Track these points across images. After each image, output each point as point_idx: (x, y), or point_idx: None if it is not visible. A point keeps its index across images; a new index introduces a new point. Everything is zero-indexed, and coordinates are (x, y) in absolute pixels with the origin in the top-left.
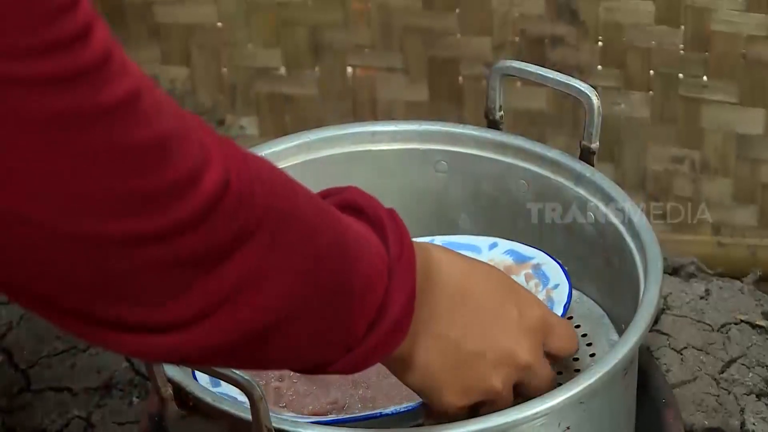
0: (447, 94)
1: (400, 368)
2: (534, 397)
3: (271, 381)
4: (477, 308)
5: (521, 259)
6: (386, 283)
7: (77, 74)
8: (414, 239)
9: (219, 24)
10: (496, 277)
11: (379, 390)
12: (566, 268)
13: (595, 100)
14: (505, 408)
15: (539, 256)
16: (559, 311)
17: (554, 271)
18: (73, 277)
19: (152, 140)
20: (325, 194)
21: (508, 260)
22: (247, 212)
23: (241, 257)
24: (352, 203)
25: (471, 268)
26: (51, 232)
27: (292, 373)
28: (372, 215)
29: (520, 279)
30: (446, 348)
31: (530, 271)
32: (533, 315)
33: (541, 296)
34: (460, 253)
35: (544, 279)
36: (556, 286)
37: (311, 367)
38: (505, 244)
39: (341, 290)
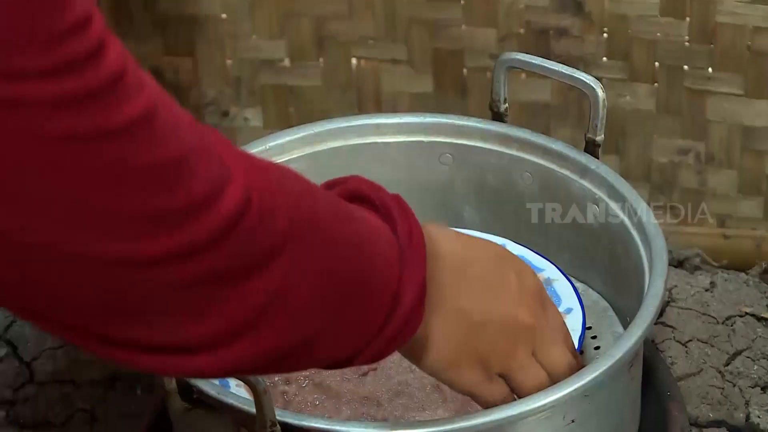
0: (452, 86)
1: (416, 352)
2: (551, 369)
3: (278, 384)
4: (478, 278)
5: None
6: (399, 272)
7: (90, 94)
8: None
9: (223, 15)
10: (492, 248)
11: (391, 411)
12: (576, 286)
13: (600, 93)
14: (537, 380)
15: (550, 270)
16: (575, 341)
17: (566, 291)
18: (88, 300)
19: (168, 159)
20: (330, 184)
21: None
22: (270, 229)
23: (266, 275)
24: (358, 192)
25: (468, 241)
26: (65, 253)
27: (301, 376)
28: (379, 203)
29: None
30: (456, 321)
31: None
32: (530, 282)
33: None
34: (453, 229)
35: (555, 299)
36: (569, 311)
37: (334, 365)
38: (514, 249)
39: (360, 290)
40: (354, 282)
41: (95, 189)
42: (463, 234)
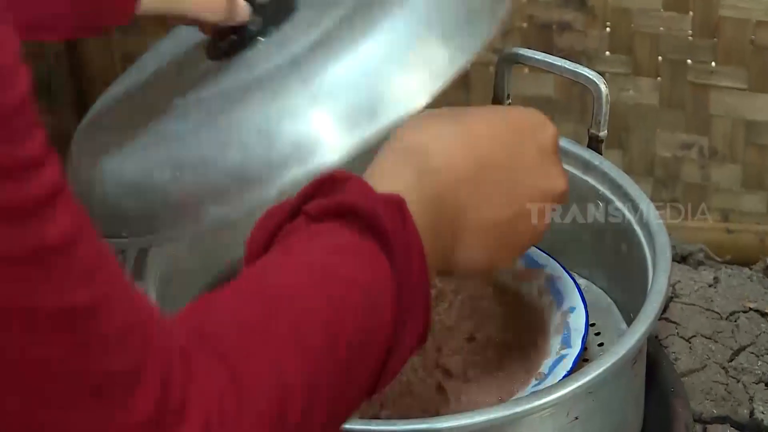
0: (454, 80)
1: (460, 272)
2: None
3: None
4: (492, 179)
5: (532, 264)
6: (394, 328)
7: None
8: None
9: None
10: (493, 127)
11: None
12: (579, 283)
13: (603, 88)
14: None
15: (551, 265)
16: (577, 343)
17: (569, 288)
18: None
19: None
20: (316, 187)
21: (519, 263)
22: None
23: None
24: (345, 209)
25: (469, 139)
26: None
27: None
28: (369, 220)
29: (532, 290)
30: (487, 232)
31: (543, 284)
32: (547, 138)
33: (555, 320)
34: (449, 131)
35: (558, 297)
36: (572, 310)
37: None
38: None
39: (365, 350)
40: (357, 353)
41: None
42: (462, 127)
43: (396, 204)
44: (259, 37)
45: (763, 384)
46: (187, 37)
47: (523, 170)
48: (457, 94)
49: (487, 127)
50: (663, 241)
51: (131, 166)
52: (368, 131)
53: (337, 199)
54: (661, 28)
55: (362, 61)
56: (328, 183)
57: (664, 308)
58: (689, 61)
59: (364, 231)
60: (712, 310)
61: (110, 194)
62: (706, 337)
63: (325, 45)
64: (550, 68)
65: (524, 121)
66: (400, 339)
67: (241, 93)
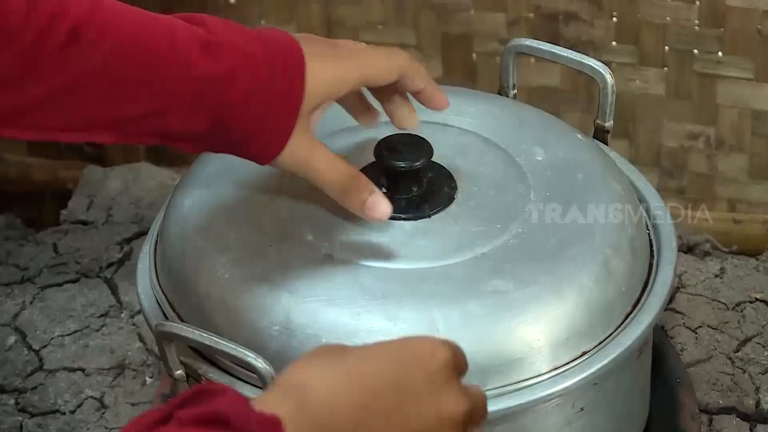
0: (461, 71)
1: None
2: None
3: None
4: (381, 406)
5: None
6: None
7: None
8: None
9: (232, 0)
10: (378, 363)
11: None
12: None
13: (609, 79)
14: None
15: None
16: None
17: None
18: None
19: None
20: (193, 394)
21: None
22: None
23: None
24: (218, 417)
25: (351, 378)
26: None
27: None
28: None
29: None
30: None
31: None
32: (436, 364)
33: None
34: (332, 368)
35: None
36: None
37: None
38: None
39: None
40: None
41: None
42: (346, 364)
43: (272, 422)
44: None
45: None
46: None
47: (412, 401)
48: (463, 84)
49: (372, 363)
50: (669, 231)
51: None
52: None
53: (212, 407)
54: (668, 18)
55: None
56: (205, 393)
57: (670, 299)
58: (696, 51)
59: None
60: (719, 301)
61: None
62: (713, 328)
63: None
64: (556, 59)
65: (411, 352)
66: None
67: None
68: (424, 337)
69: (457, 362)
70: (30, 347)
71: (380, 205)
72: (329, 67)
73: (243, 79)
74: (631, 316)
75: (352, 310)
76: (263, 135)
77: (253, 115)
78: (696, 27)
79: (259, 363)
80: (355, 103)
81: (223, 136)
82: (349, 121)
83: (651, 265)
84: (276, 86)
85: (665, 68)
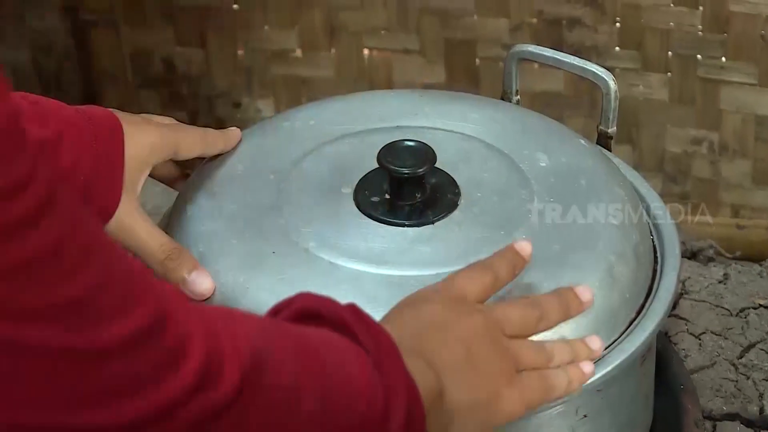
0: (464, 76)
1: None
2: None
3: None
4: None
5: None
6: (377, 380)
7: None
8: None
9: (235, 6)
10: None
11: None
12: None
13: (612, 85)
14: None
15: None
16: None
17: None
18: None
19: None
20: (275, 311)
21: None
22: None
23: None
24: (307, 311)
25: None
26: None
27: None
28: (332, 316)
29: None
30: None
31: None
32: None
33: None
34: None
35: None
36: None
37: None
38: None
39: (346, 415)
40: (337, 412)
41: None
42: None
43: (353, 309)
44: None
45: None
46: None
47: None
48: (466, 89)
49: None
50: (672, 237)
51: None
52: None
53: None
54: (671, 24)
55: None
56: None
57: (674, 305)
58: (699, 56)
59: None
60: (722, 307)
61: None
62: (716, 334)
63: None
64: (560, 65)
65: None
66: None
67: None
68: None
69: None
70: None
71: (202, 282)
72: (146, 132)
73: (69, 143)
74: (635, 322)
75: None
76: (89, 203)
77: (78, 183)
78: (699, 32)
79: None
80: (171, 173)
81: None
82: (351, 127)
83: (655, 271)
84: (99, 153)
85: (668, 73)
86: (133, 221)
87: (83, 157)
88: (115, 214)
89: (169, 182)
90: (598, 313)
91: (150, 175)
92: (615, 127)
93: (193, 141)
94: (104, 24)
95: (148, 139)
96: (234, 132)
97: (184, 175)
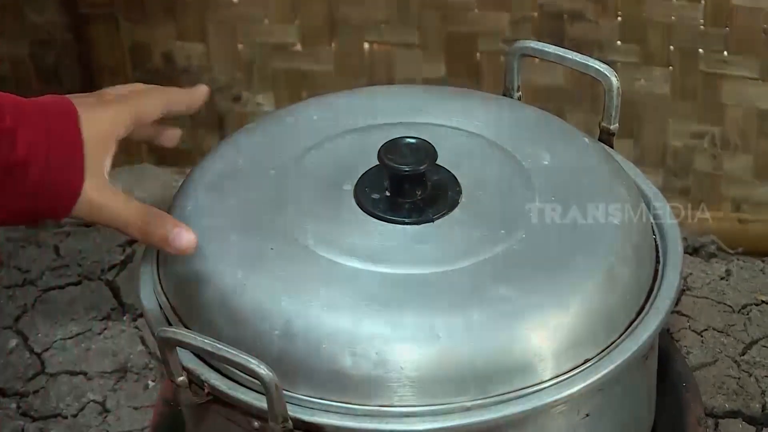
0: (465, 70)
1: None
2: None
3: None
4: None
5: None
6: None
7: None
8: None
9: (235, 0)
10: None
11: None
12: None
13: (614, 81)
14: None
15: None
16: None
17: None
18: None
19: None
20: None
21: None
22: None
23: None
24: None
25: None
26: None
27: None
28: None
29: None
30: None
31: None
32: None
33: None
34: None
35: None
36: None
37: None
38: None
39: None
40: None
41: None
42: None
43: None
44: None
45: None
46: None
47: None
48: (467, 84)
49: None
50: (674, 233)
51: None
52: None
53: None
54: (673, 18)
55: None
56: None
57: (676, 301)
58: (701, 50)
59: None
60: (724, 303)
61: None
62: (718, 331)
63: None
64: (561, 61)
65: None
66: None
67: None
68: None
69: None
70: (32, 350)
71: (183, 236)
72: (101, 110)
73: (23, 134)
74: (636, 322)
75: (353, 316)
76: (53, 187)
77: (36, 169)
78: (701, 26)
79: (262, 369)
80: (150, 134)
81: (10, 199)
82: (353, 123)
83: (656, 270)
84: (54, 137)
85: (670, 68)
86: (104, 198)
87: (38, 145)
88: (82, 195)
89: (155, 141)
90: (599, 314)
91: (135, 139)
92: (617, 124)
93: (153, 104)
94: (103, 17)
95: (104, 115)
96: (200, 89)
97: (171, 127)
